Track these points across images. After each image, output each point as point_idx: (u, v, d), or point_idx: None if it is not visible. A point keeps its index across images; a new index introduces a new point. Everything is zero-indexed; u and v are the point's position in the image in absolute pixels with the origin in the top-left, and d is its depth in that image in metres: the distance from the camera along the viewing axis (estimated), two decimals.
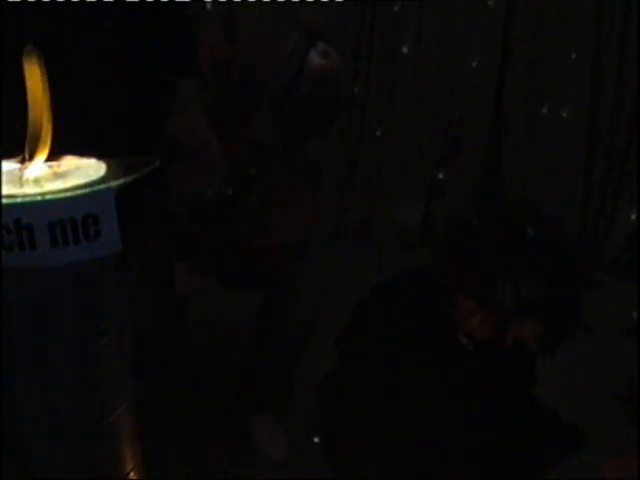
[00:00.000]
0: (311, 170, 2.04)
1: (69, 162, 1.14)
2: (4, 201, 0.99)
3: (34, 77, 1.08)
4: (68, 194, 1.02)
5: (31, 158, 1.10)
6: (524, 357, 1.68)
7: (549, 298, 1.56)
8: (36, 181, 1.08)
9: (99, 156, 1.16)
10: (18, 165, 1.11)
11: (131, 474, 1.21)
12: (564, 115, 3.28)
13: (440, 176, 3.40)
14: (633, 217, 3.21)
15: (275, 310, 2.00)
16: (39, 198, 1.01)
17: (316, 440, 1.86)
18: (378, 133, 3.31)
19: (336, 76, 1.81)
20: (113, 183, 1.05)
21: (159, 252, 1.93)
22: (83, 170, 1.11)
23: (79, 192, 1.02)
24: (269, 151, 1.85)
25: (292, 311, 1.97)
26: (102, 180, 1.06)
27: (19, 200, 1.01)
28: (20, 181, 1.08)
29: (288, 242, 1.91)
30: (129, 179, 1.06)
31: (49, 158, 1.12)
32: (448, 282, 1.62)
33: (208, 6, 1.87)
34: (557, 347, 1.61)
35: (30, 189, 1.05)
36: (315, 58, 1.73)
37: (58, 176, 1.10)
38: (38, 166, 1.10)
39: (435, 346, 1.64)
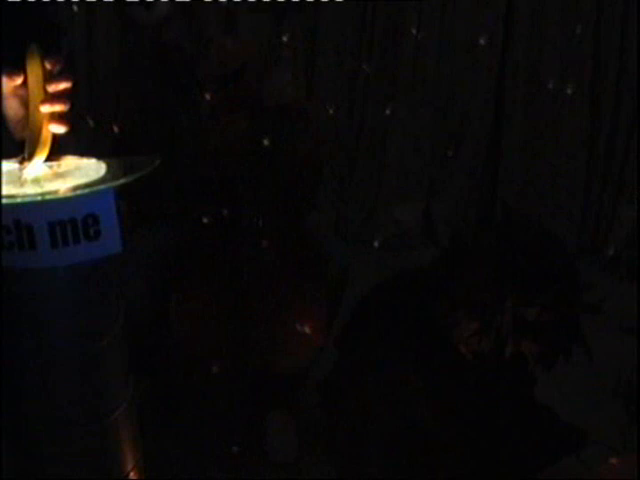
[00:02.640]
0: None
1: (69, 162, 1.14)
2: (4, 201, 0.99)
3: (36, 77, 1.08)
4: (68, 194, 1.02)
5: (31, 158, 1.10)
6: (523, 361, 1.68)
7: (547, 319, 1.56)
8: (36, 181, 1.08)
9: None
10: (18, 165, 1.11)
11: (131, 474, 1.21)
12: (564, 115, 3.28)
13: (440, 176, 3.41)
14: (633, 217, 3.22)
15: None
16: (39, 198, 1.01)
17: (316, 440, 1.86)
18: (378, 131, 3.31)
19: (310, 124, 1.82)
20: (113, 183, 1.05)
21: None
22: (83, 170, 1.11)
23: (79, 192, 1.02)
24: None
25: None
26: (102, 180, 1.06)
27: (19, 200, 1.00)
28: (20, 181, 1.08)
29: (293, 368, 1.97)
30: (129, 179, 1.06)
31: (49, 158, 1.11)
32: (448, 295, 1.63)
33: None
34: (554, 363, 1.62)
35: (30, 189, 1.05)
36: None
37: (58, 176, 1.10)
38: (38, 166, 1.10)
39: (435, 346, 1.64)
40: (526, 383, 1.71)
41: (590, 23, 3.19)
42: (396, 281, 1.82)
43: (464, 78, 3.29)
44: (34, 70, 1.08)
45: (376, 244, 3.36)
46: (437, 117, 3.35)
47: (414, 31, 3.22)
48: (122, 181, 1.05)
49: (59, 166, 1.12)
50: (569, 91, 3.18)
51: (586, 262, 3.05)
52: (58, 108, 1.08)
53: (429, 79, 3.29)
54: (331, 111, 2.25)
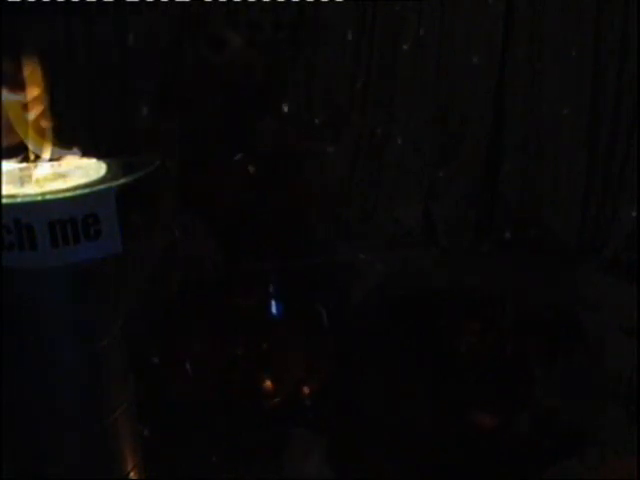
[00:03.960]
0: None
1: (69, 162, 1.14)
2: (4, 201, 0.99)
3: (34, 77, 1.08)
4: (68, 194, 1.02)
5: (38, 158, 1.10)
6: (523, 360, 1.68)
7: (547, 317, 1.57)
8: (36, 181, 1.08)
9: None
10: (18, 165, 1.11)
11: (131, 474, 1.21)
12: (564, 115, 3.28)
13: (440, 176, 3.40)
14: (633, 217, 3.22)
15: None
16: (39, 198, 1.01)
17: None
18: (378, 131, 3.31)
19: None
20: (114, 183, 1.05)
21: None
22: (83, 170, 1.11)
23: (79, 192, 1.02)
24: None
25: None
26: (102, 180, 1.06)
27: (19, 200, 1.01)
28: (20, 181, 1.08)
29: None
30: (129, 179, 1.06)
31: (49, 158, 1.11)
32: (448, 295, 1.64)
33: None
34: (554, 362, 1.62)
35: (30, 189, 1.05)
36: None
37: (58, 176, 1.10)
38: (45, 165, 1.10)
39: (435, 345, 1.64)
40: (526, 383, 1.72)
41: (590, 22, 3.19)
42: (396, 283, 1.82)
43: (464, 78, 3.29)
44: (32, 70, 1.08)
45: (376, 244, 3.36)
46: (437, 117, 3.35)
47: (414, 31, 3.22)
48: (122, 181, 1.06)
49: (59, 166, 1.12)
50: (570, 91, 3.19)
51: (586, 262, 3.05)
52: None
53: (429, 80, 3.29)
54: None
